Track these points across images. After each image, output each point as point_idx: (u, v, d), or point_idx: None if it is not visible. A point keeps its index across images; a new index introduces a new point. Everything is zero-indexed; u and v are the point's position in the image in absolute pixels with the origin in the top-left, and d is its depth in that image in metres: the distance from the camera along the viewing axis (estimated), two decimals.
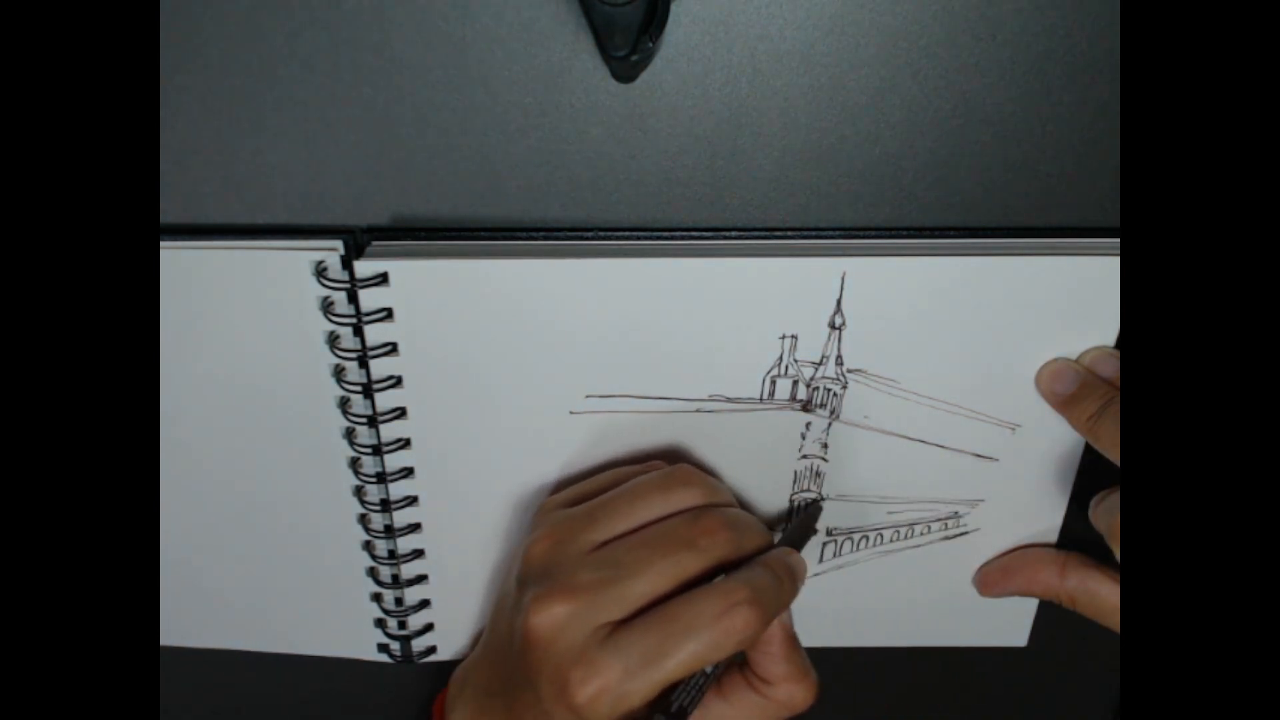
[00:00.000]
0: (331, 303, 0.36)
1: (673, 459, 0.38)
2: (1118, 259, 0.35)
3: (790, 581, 0.34)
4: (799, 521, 0.39)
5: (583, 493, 0.37)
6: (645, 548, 0.33)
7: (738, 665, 0.36)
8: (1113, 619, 0.39)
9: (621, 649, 0.31)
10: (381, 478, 0.39)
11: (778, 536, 0.37)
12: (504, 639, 0.35)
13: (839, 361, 0.37)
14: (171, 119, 0.34)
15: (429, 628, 0.44)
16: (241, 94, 0.34)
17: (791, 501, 0.41)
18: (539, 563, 0.34)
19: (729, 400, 0.38)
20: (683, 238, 0.36)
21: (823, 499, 0.41)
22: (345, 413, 0.38)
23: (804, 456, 0.40)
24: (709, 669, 0.33)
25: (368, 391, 0.37)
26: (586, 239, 0.36)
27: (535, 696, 0.33)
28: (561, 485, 0.39)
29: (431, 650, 0.45)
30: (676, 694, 0.32)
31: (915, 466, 0.40)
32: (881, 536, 0.42)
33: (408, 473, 0.39)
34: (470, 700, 0.36)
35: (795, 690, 0.35)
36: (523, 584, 0.34)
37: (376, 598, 0.43)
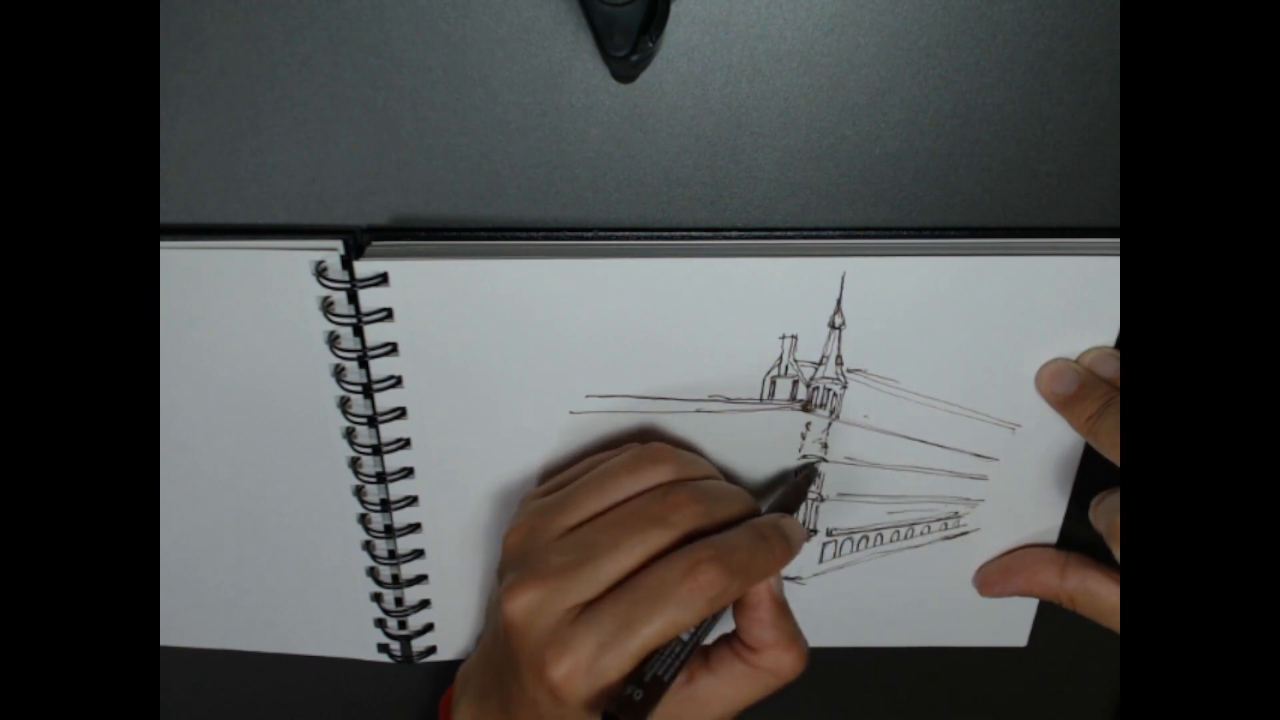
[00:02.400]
0: (331, 303, 0.36)
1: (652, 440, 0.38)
2: (1118, 259, 0.35)
3: (781, 542, 0.34)
4: (791, 486, 0.39)
5: (560, 481, 0.37)
6: (614, 527, 0.33)
7: (726, 638, 0.35)
8: (1113, 619, 0.39)
9: (593, 625, 0.31)
10: (381, 478, 0.39)
11: (768, 504, 0.37)
12: (493, 633, 0.35)
13: (839, 361, 0.37)
14: (171, 119, 0.34)
15: (429, 628, 0.44)
16: (241, 94, 0.34)
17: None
18: (514, 552, 0.34)
19: (729, 400, 0.38)
20: (683, 238, 0.36)
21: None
22: (345, 413, 0.38)
23: (804, 456, 0.40)
24: (685, 636, 0.32)
25: (368, 391, 0.37)
26: (586, 239, 0.36)
27: (520, 685, 0.33)
28: (546, 478, 0.39)
29: (431, 650, 0.45)
30: (650, 664, 0.31)
31: (915, 466, 0.40)
32: (881, 536, 0.42)
33: (408, 473, 0.39)
34: (471, 700, 0.36)
35: (783, 657, 0.34)
36: (501, 574, 0.34)
37: (376, 598, 0.43)
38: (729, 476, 0.40)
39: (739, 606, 0.34)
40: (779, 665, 0.34)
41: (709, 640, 0.35)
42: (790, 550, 0.34)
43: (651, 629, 0.31)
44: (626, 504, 0.34)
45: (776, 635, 0.34)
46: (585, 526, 0.34)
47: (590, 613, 0.32)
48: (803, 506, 0.41)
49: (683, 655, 0.32)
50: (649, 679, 0.31)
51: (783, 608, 0.34)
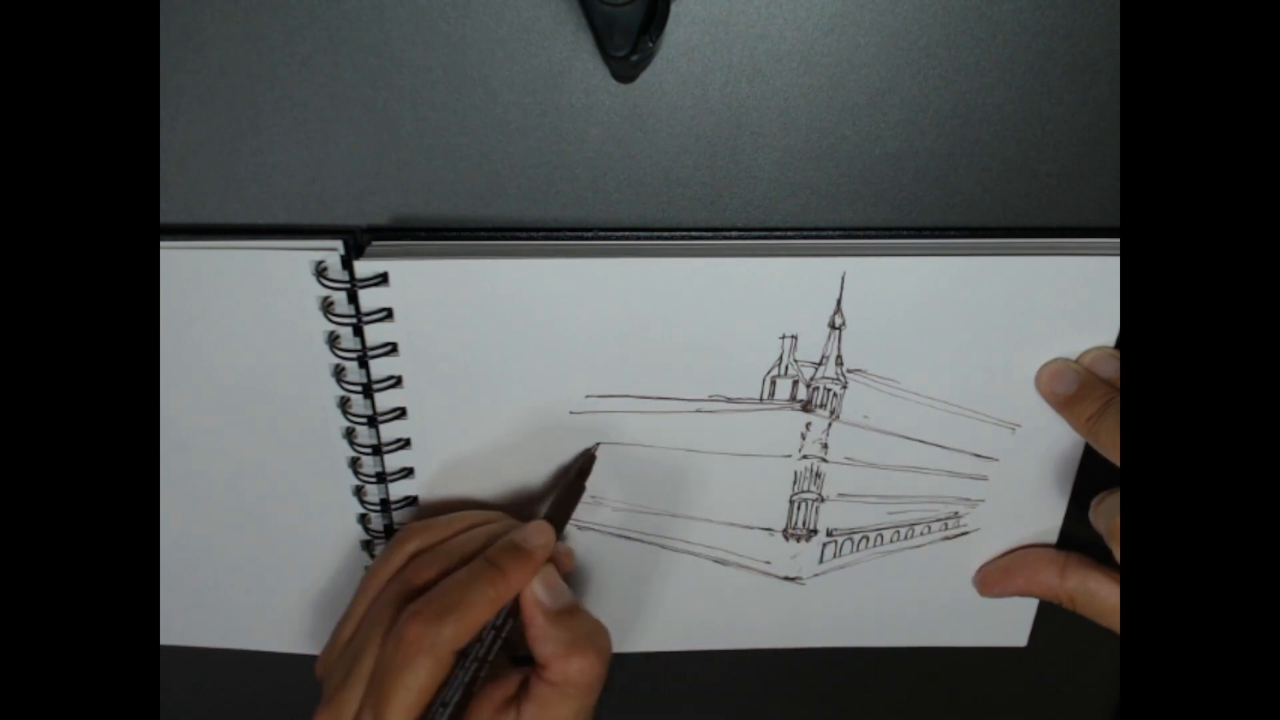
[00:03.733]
0: (331, 303, 0.36)
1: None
2: (1118, 259, 0.35)
3: (513, 559, 0.33)
4: (560, 488, 0.38)
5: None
6: (367, 623, 0.34)
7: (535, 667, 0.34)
8: (1113, 619, 0.39)
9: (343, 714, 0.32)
10: (381, 478, 0.39)
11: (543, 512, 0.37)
12: None
13: (839, 361, 0.37)
14: (171, 119, 0.34)
15: None
16: (241, 94, 0.34)
17: (791, 502, 0.41)
18: (320, 679, 0.35)
19: (729, 400, 0.38)
20: (683, 238, 0.36)
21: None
22: (345, 413, 0.38)
23: (804, 457, 0.40)
24: (455, 685, 0.32)
25: (368, 391, 0.37)
26: (586, 239, 0.36)
27: None
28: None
29: None
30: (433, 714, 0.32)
31: (915, 467, 0.40)
32: (881, 537, 0.42)
33: (408, 473, 0.39)
34: None
35: (569, 666, 0.33)
36: None
37: None
38: (728, 479, 0.40)
39: (524, 626, 0.34)
40: (569, 675, 0.33)
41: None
42: (528, 560, 0.34)
43: (393, 706, 0.31)
44: (380, 594, 0.34)
45: (554, 646, 0.33)
46: (356, 634, 0.34)
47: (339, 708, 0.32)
48: (802, 506, 0.41)
49: (459, 693, 0.32)
50: None
51: (558, 615, 0.33)
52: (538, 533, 0.35)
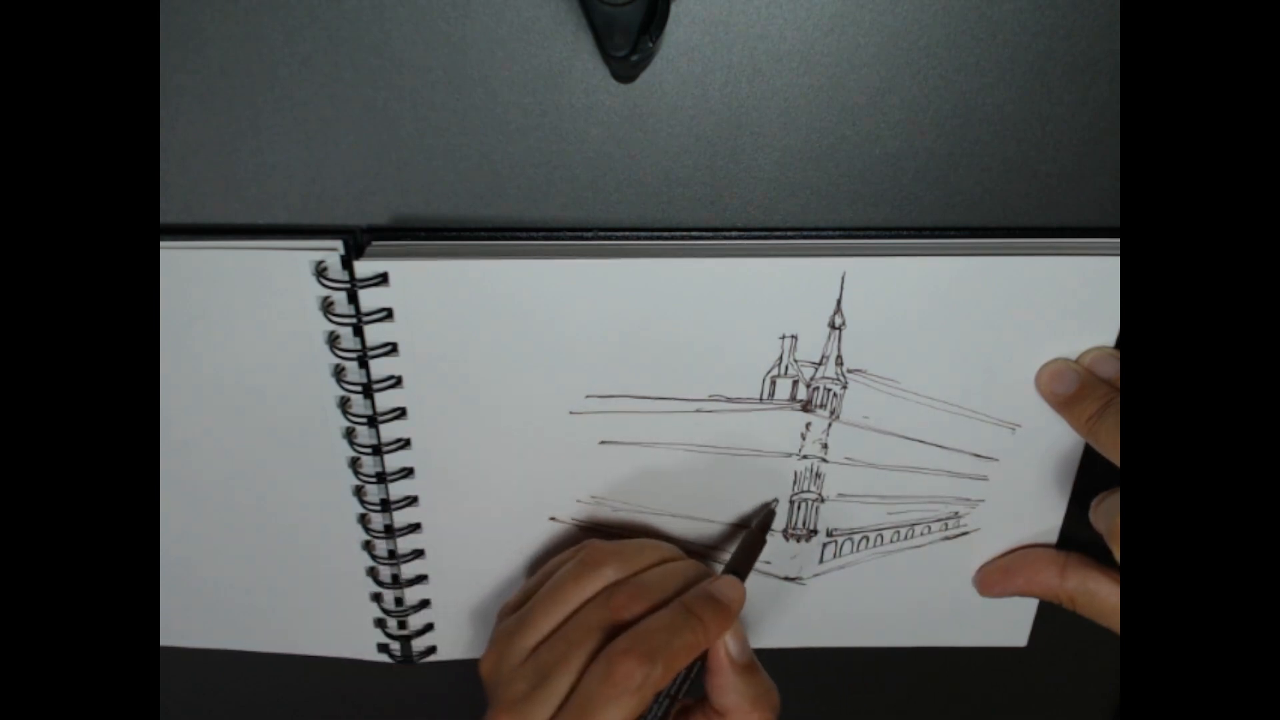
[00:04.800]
0: (331, 303, 0.36)
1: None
2: (1118, 259, 0.35)
3: (711, 610, 0.35)
4: (745, 539, 0.40)
5: (523, 595, 0.38)
6: (562, 642, 0.34)
7: (700, 702, 0.36)
8: (1113, 619, 0.39)
9: None
10: (381, 478, 0.39)
11: (727, 562, 0.38)
12: None
13: (839, 361, 0.37)
14: (171, 119, 0.34)
15: (429, 628, 0.44)
16: (241, 94, 0.34)
17: (791, 502, 0.41)
18: (488, 680, 0.36)
19: (729, 400, 0.38)
20: (683, 238, 0.36)
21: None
22: (345, 413, 0.38)
23: (804, 457, 0.40)
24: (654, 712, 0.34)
25: (368, 391, 0.37)
26: (586, 239, 0.36)
27: None
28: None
29: (431, 650, 0.45)
30: None
31: (915, 467, 0.40)
32: (882, 537, 0.42)
33: (408, 473, 0.39)
34: None
35: (749, 719, 0.35)
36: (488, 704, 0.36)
37: (376, 598, 0.43)
38: (728, 479, 0.40)
39: (705, 672, 0.36)
40: None
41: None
42: (726, 614, 0.35)
43: None
44: (576, 615, 0.35)
45: (738, 699, 0.35)
46: (542, 646, 0.35)
47: None
48: (802, 507, 0.41)
49: (669, 709, 0.34)
50: None
51: (744, 669, 0.35)
52: (732, 587, 0.36)
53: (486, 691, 0.36)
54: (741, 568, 0.38)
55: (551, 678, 0.34)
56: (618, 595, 0.35)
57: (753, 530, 0.40)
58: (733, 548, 0.41)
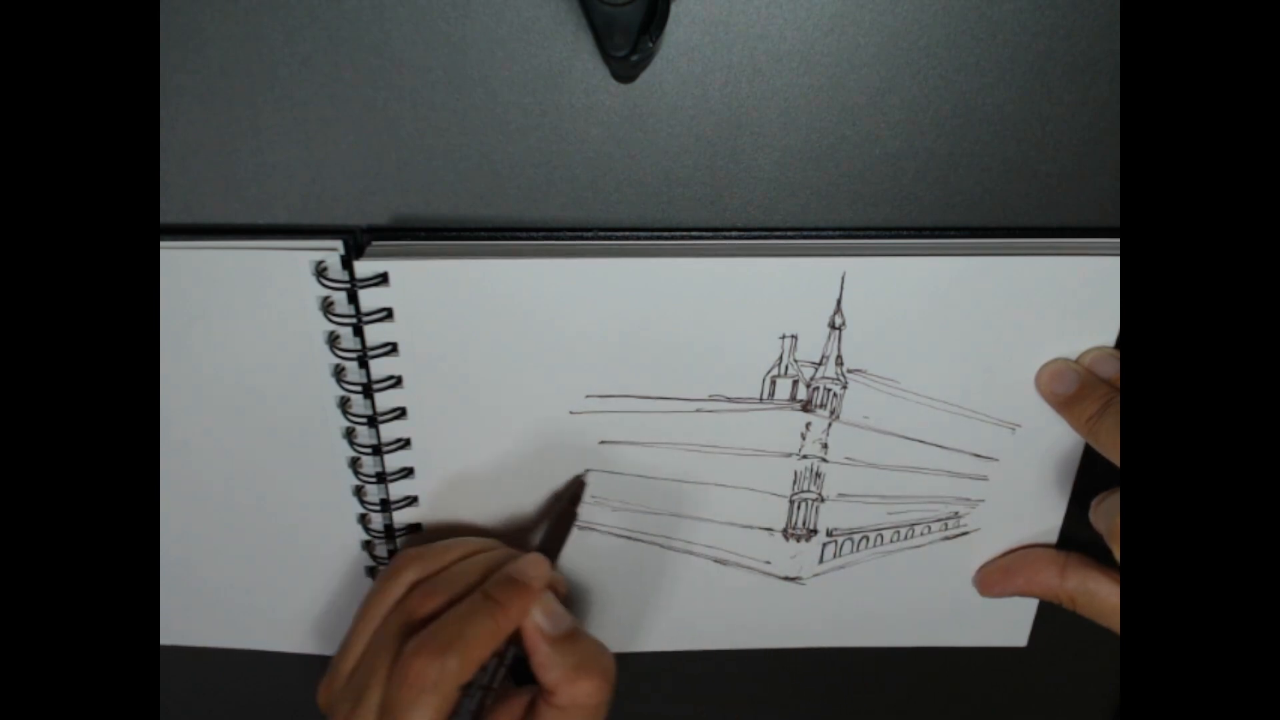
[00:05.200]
0: (331, 303, 0.36)
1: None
2: (1118, 259, 0.35)
3: (510, 592, 0.34)
4: (552, 517, 0.39)
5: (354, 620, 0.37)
6: (369, 654, 0.34)
7: (540, 692, 0.35)
8: (1113, 619, 0.39)
9: None
10: (381, 478, 0.39)
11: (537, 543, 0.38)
12: None
13: (839, 361, 0.37)
14: (171, 119, 0.34)
15: None
16: (241, 94, 0.34)
17: (791, 502, 0.41)
18: (325, 710, 0.35)
19: (729, 400, 0.38)
20: (683, 238, 0.36)
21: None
22: (345, 413, 0.38)
23: (804, 457, 0.40)
24: (464, 714, 0.33)
25: (368, 391, 0.37)
26: (586, 239, 0.36)
27: None
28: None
29: None
30: None
31: (915, 467, 0.40)
32: (882, 537, 0.42)
33: (408, 473, 0.39)
34: None
35: (576, 690, 0.33)
36: None
37: None
38: (728, 479, 0.40)
39: (528, 654, 0.34)
40: (575, 698, 0.33)
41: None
42: (526, 592, 0.34)
43: None
44: (379, 628, 0.35)
45: (559, 671, 0.33)
46: (359, 664, 0.34)
47: None
48: (802, 506, 0.41)
49: (484, 698, 0.33)
50: None
51: (559, 641, 0.34)
52: (533, 565, 0.35)
53: None
54: (553, 545, 0.37)
55: (366, 692, 0.33)
56: (414, 596, 0.34)
57: (562, 505, 0.39)
58: (735, 546, 0.41)
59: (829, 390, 0.38)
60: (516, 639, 0.34)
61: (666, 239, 0.36)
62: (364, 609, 0.36)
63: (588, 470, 0.39)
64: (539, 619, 0.34)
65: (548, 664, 0.34)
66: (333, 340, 0.36)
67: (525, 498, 0.40)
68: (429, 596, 0.34)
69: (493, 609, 0.33)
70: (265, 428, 0.38)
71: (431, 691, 0.31)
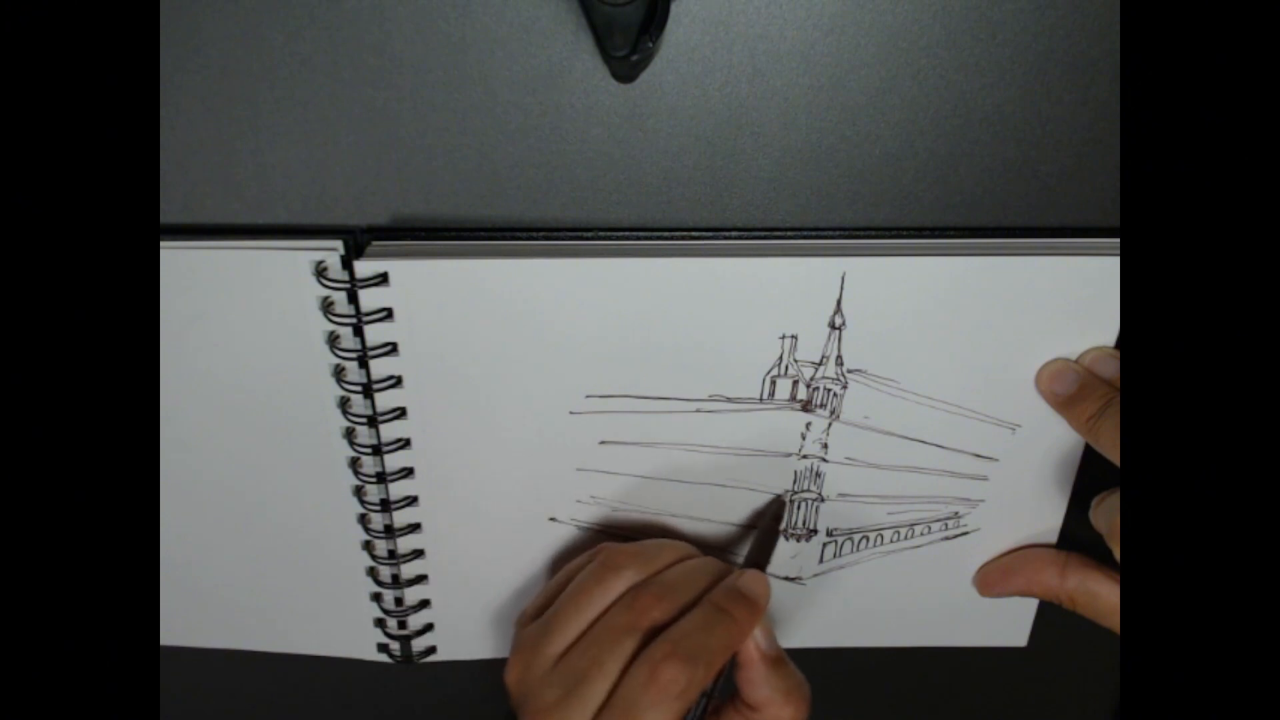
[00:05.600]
0: (331, 303, 0.36)
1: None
2: (1118, 259, 0.35)
3: (741, 606, 0.35)
4: (759, 532, 0.40)
5: (543, 601, 0.38)
6: (593, 647, 0.34)
7: (732, 698, 0.36)
8: (1113, 620, 0.39)
9: None
10: (381, 478, 0.39)
11: (743, 556, 0.38)
12: None
13: (839, 362, 0.37)
14: (171, 119, 0.34)
15: (429, 628, 0.44)
16: (241, 94, 0.34)
17: (789, 499, 0.41)
18: (515, 690, 0.36)
19: (729, 400, 0.38)
20: (683, 238, 0.36)
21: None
22: (345, 413, 0.38)
23: (804, 457, 0.40)
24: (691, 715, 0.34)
25: (368, 391, 0.37)
26: (586, 239, 0.36)
27: None
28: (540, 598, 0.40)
29: (431, 650, 0.45)
30: None
31: (915, 467, 0.40)
32: (882, 537, 0.42)
33: (408, 473, 0.39)
34: None
35: (781, 713, 0.35)
36: (511, 715, 0.36)
37: (376, 598, 0.43)
38: (728, 480, 0.40)
39: (734, 667, 0.36)
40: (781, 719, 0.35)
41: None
42: (755, 608, 0.35)
43: None
44: (602, 619, 0.35)
45: (770, 692, 0.35)
46: (570, 652, 0.35)
47: None
48: (802, 506, 0.41)
49: (707, 707, 0.34)
50: None
51: (774, 662, 0.36)
52: (758, 581, 0.36)
53: (513, 702, 0.36)
54: (761, 561, 0.38)
55: (585, 683, 0.33)
56: (643, 596, 0.35)
57: (767, 523, 0.40)
58: (739, 547, 0.41)
59: (829, 390, 0.38)
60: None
61: (666, 239, 0.36)
62: (578, 596, 0.36)
63: (787, 492, 0.41)
64: (759, 638, 0.35)
65: (759, 682, 0.35)
66: (333, 340, 0.36)
67: (527, 497, 0.40)
68: (659, 600, 0.35)
69: (727, 622, 0.34)
70: (265, 428, 0.38)
71: (679, 699, 0.32)
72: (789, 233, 0.37)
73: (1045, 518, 0.41)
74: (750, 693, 0.35)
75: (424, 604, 0.43)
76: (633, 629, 0.34)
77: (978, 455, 0.40)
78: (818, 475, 0.40)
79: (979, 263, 0.35)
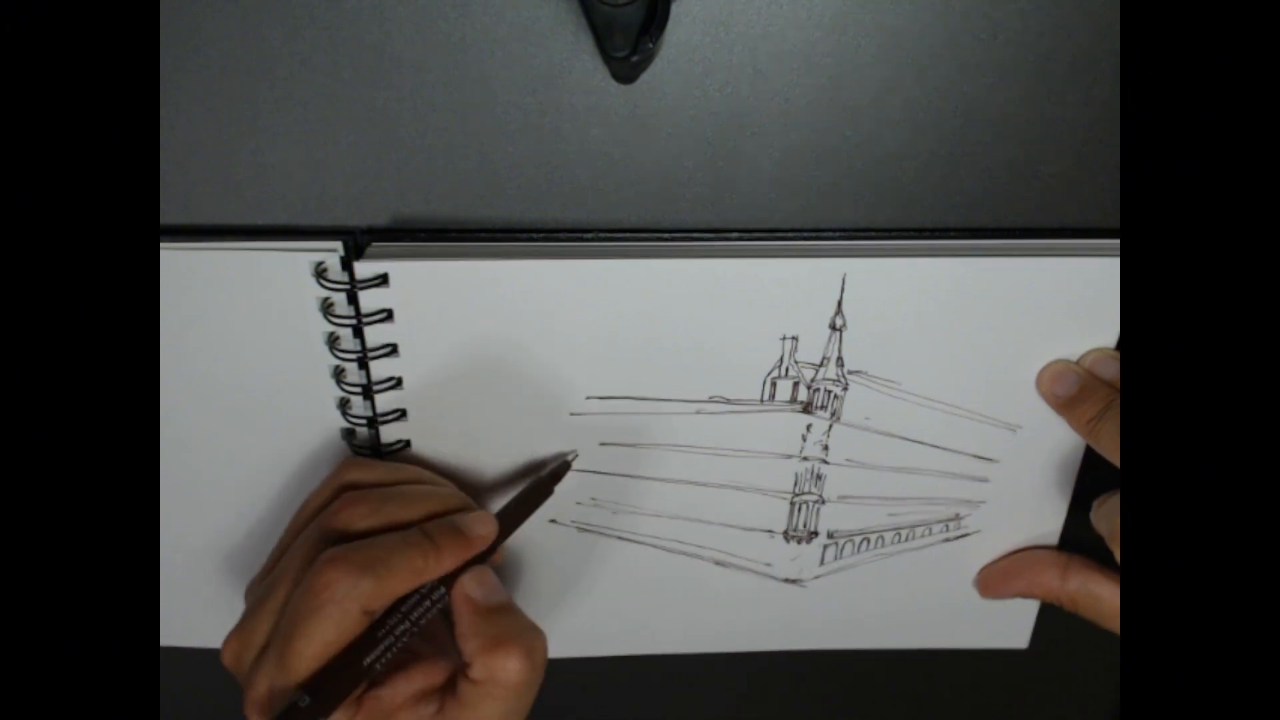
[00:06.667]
0: (331, 304, 0.36)
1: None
2: (1118, 259, 0.35)
3: (450, 539, 0.32)
4: (525, 487, 0.37)
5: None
6: (288, 556, 0.33)
7: (461, 671, 0.33)
8: (1114, 621, 0.39)
9: (262, 662, 0.31)
10: None
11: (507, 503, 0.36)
12: None
13: (840, 363, 0.37)
14: (171, 119, 0.34)
15: None
16: (241, 94, 0.34)
17: (791, 504, 0.41)
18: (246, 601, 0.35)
19: (729, 402, 0.38)
20: (683, 238, 0.36)
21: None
22: (345, 414, 0.38)
23: (805, 458, 0.40)
24: (381, 649, 0.31)
25: (367, 393, 0.37)
26: (586, 239, 0.36)
27: None
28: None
29: None
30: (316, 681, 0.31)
31: (916, 468, 0.40)
32: (883, 539, 0.42)
33: None
34: None
35: (494, 664, 0.31)
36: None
37: None
38: (728, 480, 0.40)
39: (453, 626, 0.33)
40: (493, 673, 0.31)
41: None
42: (465, 545, 0.32)
43: (296, 651, 0.30)
44: (309, 527, 0.33)
45: (479, 641, 0.31)
46: (279, 562, 0.33)
47: (264, 651, 0.31)
48: (803, 508, 0.41)
49: (392, 644, 0.31)
50: (320, 684, 0.30)
51: (486, 610, 0.32)
52: (481, 523, 0.33)
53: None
54: (510, 513, 0.36)
55: (273, 591, 0.31)
56: (349, 502, 0.32)
57: (541, 477, 0.38)
58: (734, 548, 0.41)
59: (830, 392, 0.38)
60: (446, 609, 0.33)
61: (667, 240, 0.36)
62: (300, 509, 0.35)
63: (574, 453, 0.39)
64: (469, 586, 0.32)
65: (468, 633, 0.31)
66: (332, 341, 0.36)
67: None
68: (362, 512, 0.32)
69: (425, 547, 0.31)
70: (265, 428, 0.38)
71: (336, 605, 0.29)
72: (789, 233, 0.37)
73: (1046, 519, 0.41)
74: (463, 646, 0.31)
75: None
76: (326, 535, 0.32)
77: (978, 457, 0.40)
78: (818, 477, 0.40)
79: (980, 264, 0.35)
